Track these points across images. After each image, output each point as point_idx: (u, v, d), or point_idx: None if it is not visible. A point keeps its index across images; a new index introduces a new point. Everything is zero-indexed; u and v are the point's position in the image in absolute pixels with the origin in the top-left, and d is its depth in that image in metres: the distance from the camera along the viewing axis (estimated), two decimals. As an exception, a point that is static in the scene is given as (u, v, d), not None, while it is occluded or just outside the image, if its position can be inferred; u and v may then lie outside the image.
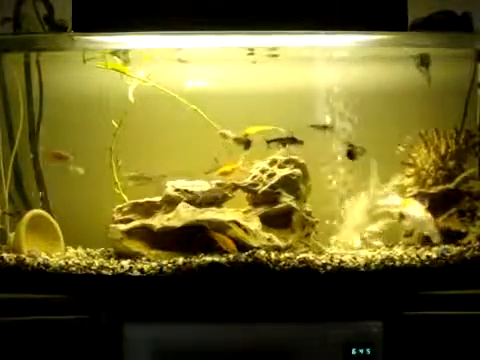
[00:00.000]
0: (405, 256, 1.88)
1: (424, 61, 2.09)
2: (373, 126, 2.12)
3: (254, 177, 2.00)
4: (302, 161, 2.01)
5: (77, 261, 1.89)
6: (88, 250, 2.07)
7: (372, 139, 2.09)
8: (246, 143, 2.00)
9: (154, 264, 1.84)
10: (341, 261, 1.84)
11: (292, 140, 1.99)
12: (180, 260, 1.84)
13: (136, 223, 1.95)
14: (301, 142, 1.99)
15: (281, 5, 1.88)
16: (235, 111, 2.10)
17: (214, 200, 1.97)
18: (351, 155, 2.01)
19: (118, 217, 1.99)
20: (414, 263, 1.86)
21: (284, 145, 1.99)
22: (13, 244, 1.95)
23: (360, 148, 2.02)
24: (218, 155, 1.99)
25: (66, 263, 1.87)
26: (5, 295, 1.83)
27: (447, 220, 1.99)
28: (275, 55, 2.08)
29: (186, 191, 1.97)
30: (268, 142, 2.00)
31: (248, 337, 1.79)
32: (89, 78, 2.11)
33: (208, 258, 1.83)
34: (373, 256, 1.89)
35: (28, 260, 1.89)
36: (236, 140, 2.00)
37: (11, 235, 1.99)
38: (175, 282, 1.82)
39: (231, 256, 1.83)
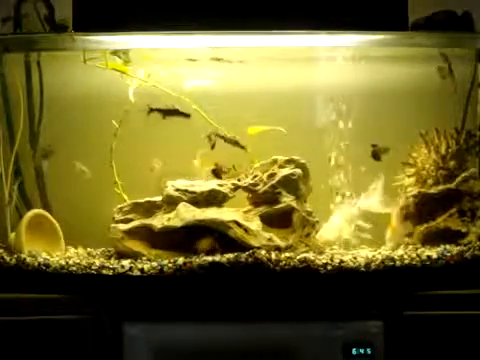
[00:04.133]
0: (405, 256, 1.89)
1: None
2: (373, 126, 2.13)
3: (255, 177, 2.00)
4: (303, 161, 2.01)
5: (77, 261, 1.89)
6: (88, 250, 2.07)
7: (371, 139, 2.10)
8: None
9: (154, 264, 1.84)
10: (341, 261, 1.84)
11: (175, 112, 1.99)
12: (180, 260, 1.84)
13: (136, 223, 1.95)
14: (185, 115, 1.99)
15: (281, 5, 1.88)
16: (236, 111, 2.10)
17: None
18: (376, 156, 2.02)
19: (119, 217, 1.99)
20: (414, 263, 1.87)
21: (164, 116, 1.99)
22: (13, 244, 1.96)
23: (383, 148, 2.02)
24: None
25: (66, 263, 1.88)
26: (5, 295, 1.83)
27: (447, 220, 1.99)
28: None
29: (186, 191, 1.97)
30: (151, 110, 2.01)
31: (248, 337, 1.79)
32: (90, 78, 2.11)
33: (209, 258, 1.83)
34: (373, 256, 1.89)
35: (28, 260, 1.89)
36: None
37: (11, 235, 1.99)
38: (175, 282, 1.82)
39: (231, 256, 1.83)
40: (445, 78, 2.10)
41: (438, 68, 2.09)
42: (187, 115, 2.01)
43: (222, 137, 2.01)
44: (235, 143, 2.01)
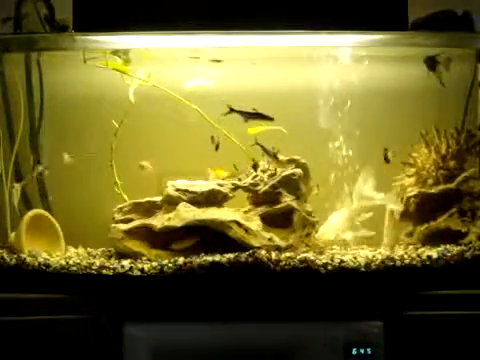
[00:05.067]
0: (406, 256, 1.89)
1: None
2: (373, 126, 2.13)
3: (255, 177, 2.00)
4: (303, 161, 2.01)
5: (78, 261, 1.89)
6: (89, 250, 2.07)
7: (372, 139, 2.10)
8: None
9: (155, 264, 1.84)
10: (342, 261, 1.84)
11: (257, 115, 1.98)
12: (181, 260, 1.84)
13: (137, 223, 1.95)
14: (269, 118, 1.99)
15: (281, 5, 1.88)
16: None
17: None
18: (388, 159, 2.02)
19: (119, 217, 1.98)
20: (415, 263, 1.87)
21: (246, 119, 1.98)
22: (14, 244, 1.95)
23: (393, 151, 2.03)
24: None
25: (67, 263, 1.88)
26: (5, 295, 1.83)
27: (448, 220, 1.99)
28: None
29: (186, 191, 1.97)
30: (231, 110, 1.99)
31: (248, 337, 1.79)
32: (90, 78, 2.11)
33: (209, 258, 1.83)
34: (374, 256, 1.89)
35: (29, 260, 1.89)
36: None
37: (12, 235, 1.99)
38: (176, 282, 1.82)
39: (232, 256, 1.83)
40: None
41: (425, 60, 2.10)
42: (270, 118, 1.99)
43: (262, 147, 2.00)
44: (274, 156, 2.00)
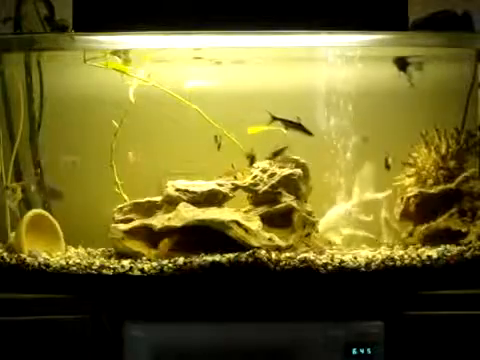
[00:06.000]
0: (406, 256, 1.89)
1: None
2: (373, 126, 2.13)
3: (255, 177, 2.00)
4: (303, 161, 2.01)
5: (78, 261, 1.89)
6: (89, 250, 2.07)
7: (372, 139, 2.10)
8: None
9: (155, 264, 1.84)
10: (342, 261, 1.84)
11: (298, 126, 1.99)
12: (181, 260, 1.84)
13: (136, 223, 1.95)
14: (308, 133, 1.99)
15: (281, 5, 1.88)
16: (236, 111, 2.10)
17: None
18: (388, 165, 2.03)
19: (119, 217, 1.98)
20: (415, 263, 1.87)
21: (287, 128, 1.99)
22: (13, 244, 1.95)
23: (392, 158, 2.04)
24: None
25: (67, 263, 1.88)
26: (5, 295, 1.83)
27: (448, 220, 1.99)
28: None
29: (186, 191, 1.97)
30: (274, 118, 2.00)
31: (248, 337, 1.79)
32: (90, 78, 2.11)
33: (209, 258, 1.83)
34: (374, 256, 1.89)
35: (29, 260, 1.89)
36: None
37: (11, 235, 1.99)
38: (176, 282, 1.82)
39: (232, 256, 1.83)
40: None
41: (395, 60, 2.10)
42: (310, 133, 2.00)
43: (285, 157, 2.01)
44: (295, 162, 2.01)
